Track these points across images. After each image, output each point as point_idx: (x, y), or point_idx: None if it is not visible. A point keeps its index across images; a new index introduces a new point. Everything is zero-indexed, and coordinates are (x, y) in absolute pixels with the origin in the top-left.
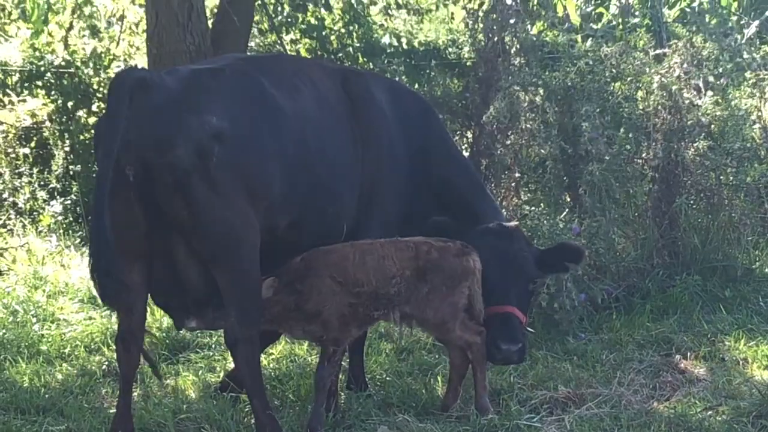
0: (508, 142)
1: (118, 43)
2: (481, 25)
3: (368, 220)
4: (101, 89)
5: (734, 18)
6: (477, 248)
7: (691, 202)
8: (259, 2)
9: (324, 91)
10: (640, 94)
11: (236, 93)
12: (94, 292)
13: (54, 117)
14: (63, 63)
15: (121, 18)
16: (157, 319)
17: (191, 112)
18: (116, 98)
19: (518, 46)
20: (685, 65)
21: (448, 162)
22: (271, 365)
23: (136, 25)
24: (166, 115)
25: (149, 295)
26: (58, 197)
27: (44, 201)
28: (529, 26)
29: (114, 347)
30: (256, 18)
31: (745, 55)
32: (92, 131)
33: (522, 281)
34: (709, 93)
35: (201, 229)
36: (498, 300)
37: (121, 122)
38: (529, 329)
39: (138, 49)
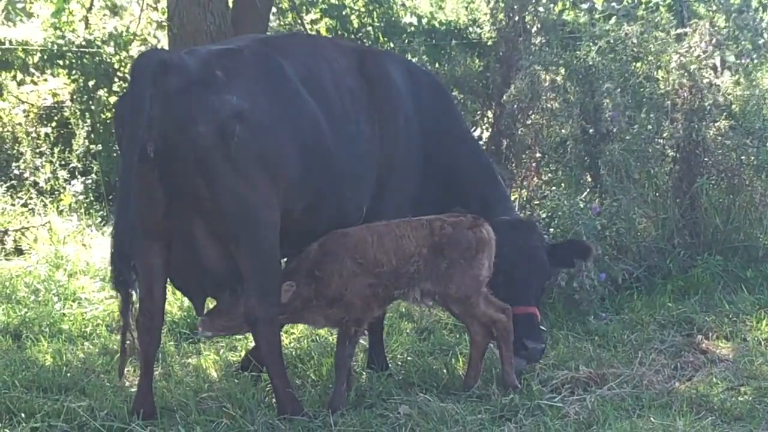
0: (529, 121)
1: (138, 23)
2: (502, 5)
3: (383, 201)
4: (122, 68)
5: None
6: (501, 245)
7: (712, 182)
8: None
9: (340, 72)
10: (660, 73)
11: (255, 74)
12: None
13: (75, 96)
14: (84, 42)
15: None
16: (178, 298)
17: (212, 92)
18: (139, 80)
19: (539, 26)
20: (703, 44)
21: (459, 144)
22: (292, 344)
23: (156, 3)
24: (188, 95)
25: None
26: (79, 177)
27: (65, 180)
28: (551, 5)
29: (135, 326)
30: None
31: (765, 34)
32: (113, 110)
33: (542, 280)
34: (728, 72)
35: (221, 209)
36: (524, 300)
37: (145, 105)
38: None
39: (158, 28)
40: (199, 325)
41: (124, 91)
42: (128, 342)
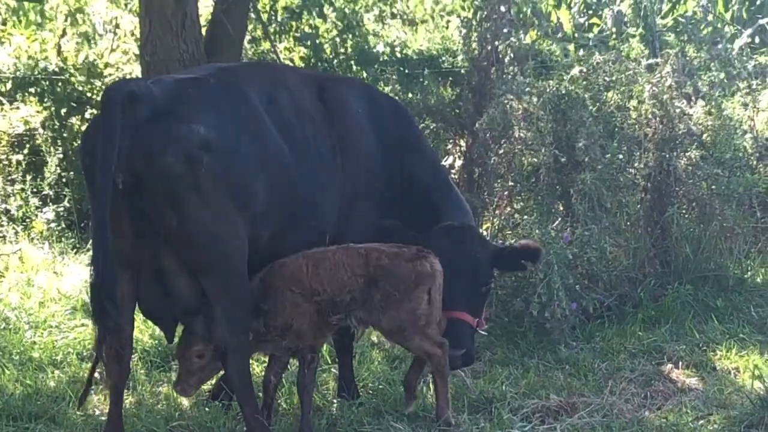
0: (501, 150)
1: (112, 51)
2: (474, 34)
3: (348, 228)
4: (94, 97)
5: (726, 28)
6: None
7: (683, 211)
8: (253, 10)
9: (300, 100)
10: (632, 103)
11: (222, 103)
12: (89, 303)
13: (47, 124)
14: (56, 70)
15: (116, 26)
16: (150, 326)
17: (180, 122)
18: (109, 111)
19: (512, 55)
20: (676, 74)
21: (423, 169)
22: (264, 373)
23: (132, 32)
24: (155, 126)
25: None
26: (50, 204)
27: (37, 208)
28: (522, 35)
29: (104, 355)
30: (250, 26)
31: (737, 64)
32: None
33: (472, 285)
34: (701, 102)
35: (190, 238)
36: (446, 305)
37: (117, 138)
38: (482, 331)
39: (132, 57)
40: (177, 391)
41: (90, 121)
42: (99, 371)
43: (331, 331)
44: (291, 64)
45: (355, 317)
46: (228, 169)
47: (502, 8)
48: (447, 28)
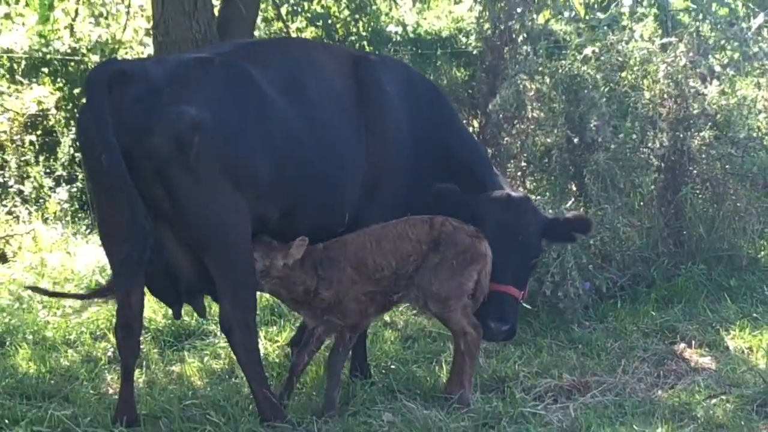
0: (514, 131)
1: (124, 30)
2: (487, 14)
3: (370, 208)
4: None
5: (741, 8)
6: (482, 219)
7: (697, 191)
8: None
9: (327, 78)
10: (646, 83)
11: (221, 83)
12: (101, 279)
13: (60, 104)
14: (69, 50)
15: (128, 5)
16: (162, 306)
17: (170, 103)
18: (94, 92)
19: (525, 35)
20: (690, 54)
21: (462, 145)
22: (276, 352)
23: (141, 8)
24: (144, 105)
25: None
26: (64, 184)
27: (50, 188)
28: (535, 15)
29: (114, 334)
30: (262, 6)
31: (752, 45)
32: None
33: (524, 258)
34: (715, 82)
35: (184, 218)
36: (496, 278)
37: (106, 113)
38: (526, 305)
39: (146, 35)
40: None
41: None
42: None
43: (378, 313)
44: (327, 42)
45: (417, 287)
46: (222, 148)
47: None
48: (458, 2)
